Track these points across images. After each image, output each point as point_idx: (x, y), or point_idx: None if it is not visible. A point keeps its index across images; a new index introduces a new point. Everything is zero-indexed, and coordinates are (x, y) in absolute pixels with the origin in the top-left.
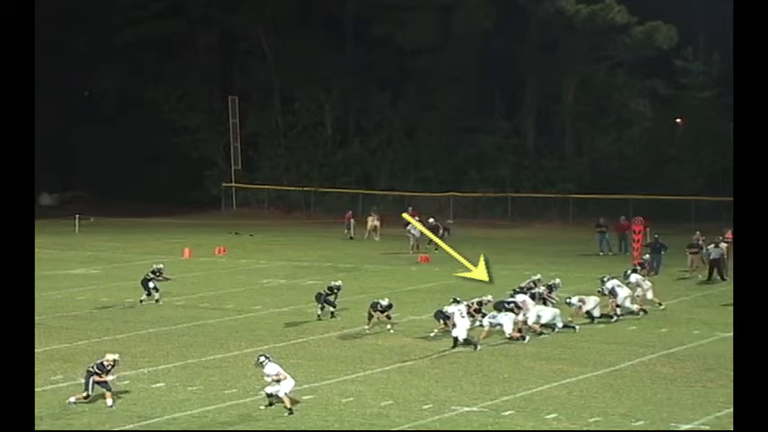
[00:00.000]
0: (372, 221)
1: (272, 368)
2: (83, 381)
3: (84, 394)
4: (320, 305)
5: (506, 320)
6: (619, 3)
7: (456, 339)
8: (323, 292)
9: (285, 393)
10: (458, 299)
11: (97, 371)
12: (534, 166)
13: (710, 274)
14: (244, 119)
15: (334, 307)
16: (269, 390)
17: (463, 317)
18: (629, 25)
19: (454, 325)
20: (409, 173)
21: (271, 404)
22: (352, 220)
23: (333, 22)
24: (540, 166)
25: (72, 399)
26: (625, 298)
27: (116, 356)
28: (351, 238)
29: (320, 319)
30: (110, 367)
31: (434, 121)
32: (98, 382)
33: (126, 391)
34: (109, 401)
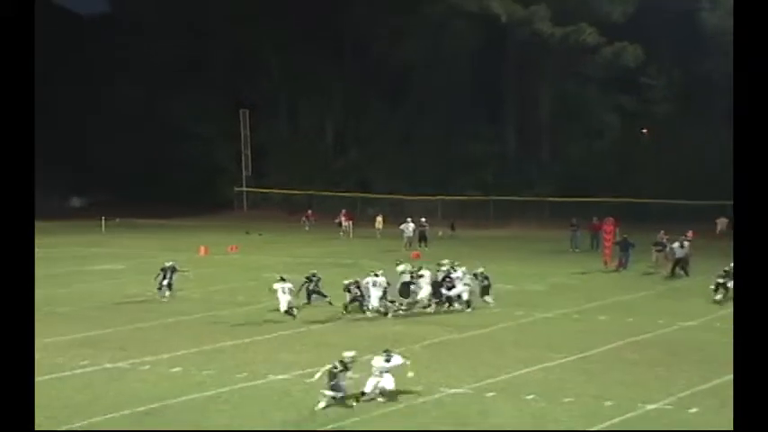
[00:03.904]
0: (378, 222)
1: (397, 359)
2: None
3: (333, 394)
4: (307, 301)
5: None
6: (590, 25)
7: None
8: (307, 290)
9: (385, 387)
10: (284, 277)
11: (339, 367)
12: (514, 172)
13: (674, 270)
14: (254, 129)
15: (324, 296)
16: (371, 382)
17: (284, 293)
18: (600, 45)
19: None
20: (402, 178)
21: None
22: (346, 220)
23: (335, 41)
24: (519, 171)
25: (321, 404)
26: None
27: (353, 353)
28: (349, 235)
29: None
30: (350, 364)
31: (425, 132)
32: (335, 385)
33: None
34: (321, 404)
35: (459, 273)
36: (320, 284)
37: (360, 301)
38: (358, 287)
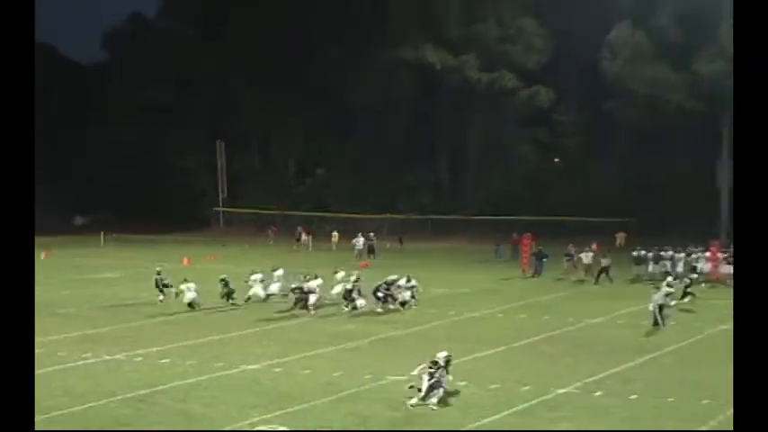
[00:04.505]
0: (334, 237)
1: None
2: (423, 378)
3: (421, 395)
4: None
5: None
6: (510, 71)
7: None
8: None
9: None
10: (186, 278)
11: (431, 367)
12: (448, 196)
13: (606, 275)
14: (229, 159)
15: (233, 299)
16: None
17: (190, 291)
18: (518, 89)
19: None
20: (354, 200)
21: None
22: (305, 235)
23: (298, 86)
24: (452, 195)
25: (412, 400)
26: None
27: (446, 353)
28: (308, 248)
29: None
30: (444, 364)
31: (372, 163)
32: (434, 384)
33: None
34: (434, 399)
35: (403, 281)
36: (231, 286)
37: (304, 301)
38: (301, 289)
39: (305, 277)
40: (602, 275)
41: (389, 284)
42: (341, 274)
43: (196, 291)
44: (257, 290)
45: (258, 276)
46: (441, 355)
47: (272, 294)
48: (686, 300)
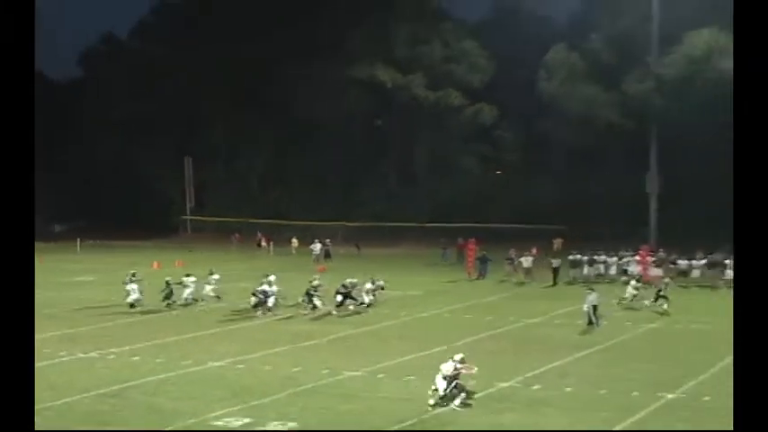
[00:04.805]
0: (294, 243)
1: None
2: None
3: (441, 394)
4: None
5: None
6: (456, 90)
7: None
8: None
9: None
10: (133, 280)
11: (455, 372)
12: (399, 205)
13: (554, 276)
14: (196, 171)
15: (170, 298)
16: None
17: (134, 292)
18: (463, 106)
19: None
20: (312, 209)
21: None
22: (266, 241)
23: (260, 103)
24: (402, 204)
25: (430, 401)
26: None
27: (462, 355)
28: (269, 253)
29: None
30: (460, 361)
31: (329, 174)
32: (457, 386)
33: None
34: (456, 401)
35: (369, 284)
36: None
37: (263, 303)
38: (264, 293)
39: (267, 279)
40: (557, 275)
41: (348, 287)
42: (215, 277)
43: (140, 291)
44: (185, 292)
45: (192, 279)
46: (457, 358)
47: (190, 296)
48: (660, 303)
